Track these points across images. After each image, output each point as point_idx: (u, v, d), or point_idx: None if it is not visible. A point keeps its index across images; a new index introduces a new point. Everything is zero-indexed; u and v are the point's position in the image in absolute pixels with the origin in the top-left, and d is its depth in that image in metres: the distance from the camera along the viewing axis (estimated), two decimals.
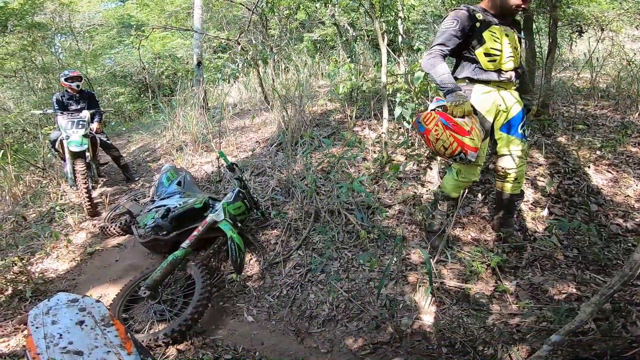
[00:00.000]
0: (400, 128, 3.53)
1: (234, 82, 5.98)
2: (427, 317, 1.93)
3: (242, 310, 2.19)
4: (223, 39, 7.39)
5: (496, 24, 2.09)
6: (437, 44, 2.09)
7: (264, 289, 2.31)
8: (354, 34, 6.25)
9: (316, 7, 6.21)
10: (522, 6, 2.05)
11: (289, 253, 2.48)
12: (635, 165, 3.04)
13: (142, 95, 9.27)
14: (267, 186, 3.32)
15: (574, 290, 1.96)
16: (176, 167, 3.38)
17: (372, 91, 3.98)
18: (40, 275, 2.73)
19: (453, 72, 2.20)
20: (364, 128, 3.78)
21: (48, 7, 8.30)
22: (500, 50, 2.08)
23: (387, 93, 3.42)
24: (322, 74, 5.58)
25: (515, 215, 2.49)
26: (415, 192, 2.89)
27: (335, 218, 2.67)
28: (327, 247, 2.44)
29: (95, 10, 12.17)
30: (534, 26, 3.97)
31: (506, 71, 2.13)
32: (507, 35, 2.10)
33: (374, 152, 3.36)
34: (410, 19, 6.52)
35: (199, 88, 5.27)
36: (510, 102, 2.17)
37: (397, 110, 3.28)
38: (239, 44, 5.89)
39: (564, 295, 1.95)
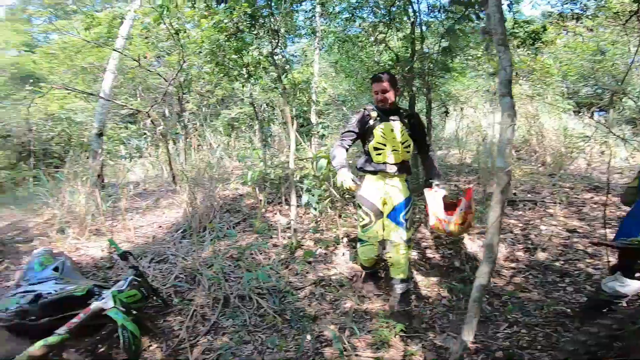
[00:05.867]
0: (308, 214, 3.67)
1: (139, 158, 5.61)
2: None
3: None
4: (132, 108, 7.09)
5: (386, 121, 2.42)
6: (339, 139, 2.49)
7: None
8: (269, 114, 6.64)
9: (237, 87, 6.50)
10: (380, 101, 2.42)
11: (196, 339, 2.32)
12: (500, 232, 3.66)
13: (21, 162, 7.86)
14: (170, 273, 3.07)
15: (471, 345, 2.14)
16: (53, 252, 2.96)
17: (283, 177, 4.14)
18: None
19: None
20: (275, 213, 3.84)
21: None
22: (384, 144, 2.41)
23: (295, 179, 3.61)
24: (237, 154, 5.65)
25: (403, 297, 2.60)
26: (325, 274, 2.98)
27: (246, 303, 2.62)
28: (238, 331, 2.34)
29: None
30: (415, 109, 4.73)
31: (391, 163, 2.44)
32: (392, 130, 2.41)
33: (284, 238, 3.39)
34: (321, 101, 7.27)
35: (95, 161, 4.78)
36: (393, 191, 2.44)
37: (305, 197, 3.45)
38: (149, 116, 5.72)
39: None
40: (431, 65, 4.23)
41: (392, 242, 2.41)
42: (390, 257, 2.44)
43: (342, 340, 2.12)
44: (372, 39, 4.69)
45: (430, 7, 4.31)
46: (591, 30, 5.40)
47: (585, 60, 6.23)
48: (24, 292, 2.35)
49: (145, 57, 8.72)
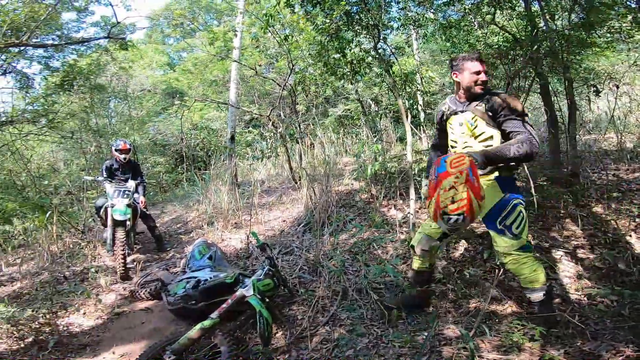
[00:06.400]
0: (425, 208, 3.52)
1: (267, 158, 6.32)
2: None
3: None
4: (255, 113, 8.01)
5: (455, 114, 2.12)
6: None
7: None
8: (376, 109, 6.59)
9: (343, 84, 6.67)
10: (481, 80, 2.00)
11: (316, 329, 2.47)
12: None
13: (177, 166, 9.73)
14: (295, 265, 3.35)
15: (631, 353, 1.81)
16: (208, 242, 3.50)
17: (397, 170, 4.06)
18: (65, 328, 2.79)
19: None
20: (390, 208, 3.80)
21: (109, 70, 8.92)
22: (455, 141, 2.13)
23: (413, 172, 3.49)
24: (346, 150, 5.80)
25: (542, 304, 2.20)
26: (446, 272, 2.84)
27: (363, 296, 2.68)
28: (355, 324, 2.43)
29: (145, 74, 13.47)
30: (550, 89, 4.02)
31: None
32: (460, 124, 2.07)
33: (401, 232, 3.34)
34: (429, 91, 6.83)
35: (231, 163, 5.58)
36: None
37: (424, 190, 3.30)
38: (269, 119, 6.35)
39: (620, 358, 1.80)
40: (563, 42, 3.55)
41: (500, 252, 2.06)
42: (509, 269, 2.09)
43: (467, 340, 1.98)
44: (475, 22, 4.19)
45: None
46: None
47: None
48: (188, 278, 2.77)
49: (260, 65, 9.73)
